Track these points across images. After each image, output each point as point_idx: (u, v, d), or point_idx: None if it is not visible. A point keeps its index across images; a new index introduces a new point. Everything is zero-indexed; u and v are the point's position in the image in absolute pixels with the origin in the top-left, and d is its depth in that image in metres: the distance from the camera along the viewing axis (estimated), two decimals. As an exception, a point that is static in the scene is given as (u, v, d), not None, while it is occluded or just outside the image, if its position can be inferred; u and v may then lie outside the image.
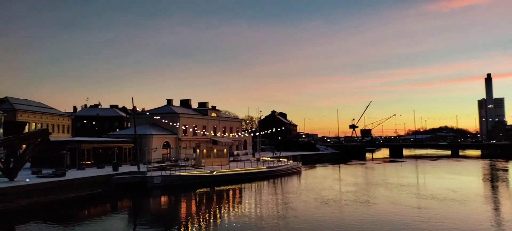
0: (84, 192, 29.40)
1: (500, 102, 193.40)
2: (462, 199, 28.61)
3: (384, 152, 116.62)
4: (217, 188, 35.48)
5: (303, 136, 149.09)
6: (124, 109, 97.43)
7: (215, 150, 47.02)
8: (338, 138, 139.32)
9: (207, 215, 23.84)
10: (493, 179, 46.09)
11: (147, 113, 61.23)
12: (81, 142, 40.66)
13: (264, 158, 57.93)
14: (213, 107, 72.96)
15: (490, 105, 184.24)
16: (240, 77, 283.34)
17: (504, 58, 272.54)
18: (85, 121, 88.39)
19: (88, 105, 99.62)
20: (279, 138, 79.30)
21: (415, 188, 36.31)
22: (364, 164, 72.63)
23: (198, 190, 34.43)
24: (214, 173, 38.91)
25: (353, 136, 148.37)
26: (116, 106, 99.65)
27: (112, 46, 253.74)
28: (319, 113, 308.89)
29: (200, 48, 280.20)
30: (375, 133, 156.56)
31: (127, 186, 32.97)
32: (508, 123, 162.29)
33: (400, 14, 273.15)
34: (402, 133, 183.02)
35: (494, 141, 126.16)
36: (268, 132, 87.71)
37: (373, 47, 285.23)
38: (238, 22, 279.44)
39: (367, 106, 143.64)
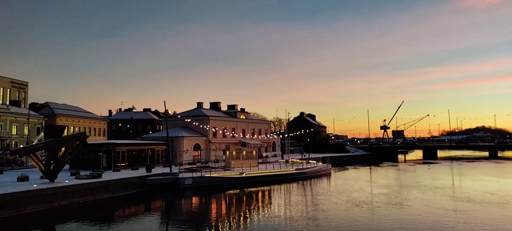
0: (119, 193, 30.32)
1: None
2: (500, 201, 27.36)
3: (418, 154, 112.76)
4: (246, 190, 35.68)
5: (333, 138, 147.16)
6: (156, 112, 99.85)
7: (244, 152, 47.27)
8: (368, 139, 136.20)
9: (237, 216, 24.08)
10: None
11: (179, 116, 62.65)
12: (116, 144, 41.95)
13: (293, 159, 57.64)
14: (242, 110, 73.35)
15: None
16: (268, 79, 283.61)
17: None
18: (120, 124, 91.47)
19: (122, 109, 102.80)
20: (308, 139, 78.59)
21: (450, 190, 35.02)
22: (396, 165, 70.71)
23: (228, 191, 34.78)
24: (244, 174, 39.14)
25: (384, 137, 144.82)
26: (149, 109, 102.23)
27: (144, 51, 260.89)
28: (349, 114, 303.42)
29: (229, 51, 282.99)
30: (408, 134, 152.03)
31: (159, 187, 33.78)
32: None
33: (435, 11, 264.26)
34: (436, 133, 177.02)
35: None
36: (297, 133, 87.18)
37: (406, 45, 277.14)
38: (266, 24, 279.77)
39: (399, 107, 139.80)
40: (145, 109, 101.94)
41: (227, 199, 32.69)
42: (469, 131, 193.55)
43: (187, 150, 53.40)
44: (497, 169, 59.79)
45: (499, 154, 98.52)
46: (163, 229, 21.53)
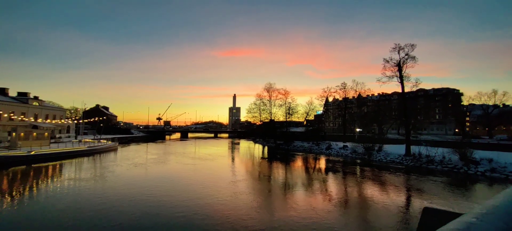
0: None
1: (238, 109, 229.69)
2: (213, 158, 33.86)
3: (178, 135, 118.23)
4: (34, 165, 27.12)
5: (122, 124, 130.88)
6: None
7: (35, 133, 35.43)
8: (148, 126, 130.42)
9: (20, 189, 18.36)
10: (230, 147, 55.69)
11: None
12: None
13: (85, 140, 47.93)
14: (35, 97, 53.96)
15: (234, 110, 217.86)
16: (72, 76, 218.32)
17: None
18: None
19: None
20: (101, 124, 67.16)
21: (191, 153, 39.72)
22: (164, 142, 71.68)
23: (13, 168, 25.31)
24: (32, 152, 29.48)
25: (159, 124, 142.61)
26: None
27: None
28: (135, 108, 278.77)
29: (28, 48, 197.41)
30: (174, 123, 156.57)
31: None
32: (241, 121, 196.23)
33: (194, 53, 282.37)
34: (189, 123, 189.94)
35: (234, 129, 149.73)
36: (92, 120, 72.58)
37: (176, 69, 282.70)
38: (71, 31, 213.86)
39: (168, 107, 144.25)
40: None
41: (10, 174, 23.82)
42: (206, 123, 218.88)
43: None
44: (215, 142, 71.64)
45: (219, 135, 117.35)
46: None
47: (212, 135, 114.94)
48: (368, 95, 60.33)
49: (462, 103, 70.90)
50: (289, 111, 64.75)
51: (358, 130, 59.78)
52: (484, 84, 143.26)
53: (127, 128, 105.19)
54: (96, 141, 45.66)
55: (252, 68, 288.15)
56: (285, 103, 64.88)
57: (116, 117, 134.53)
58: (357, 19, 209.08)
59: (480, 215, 0.62)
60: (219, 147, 56.74)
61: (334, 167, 30.32)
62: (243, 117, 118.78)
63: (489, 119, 58.42)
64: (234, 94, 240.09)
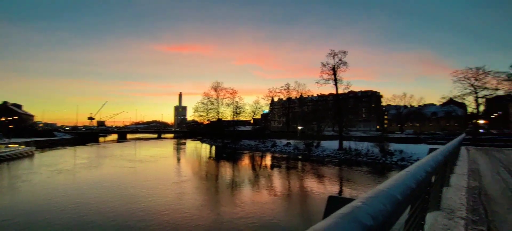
0: None
1: (184, 108, 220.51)
2: (154, 159, 31.84)
3: (114, 137, 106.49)
4: None
5: (41, 125, 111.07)
6: None
7: None
8: (77, 126, 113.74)
9: None
10: (175, 148, 53.25)
11: None
12: None
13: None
14: None
15: (180, 109, 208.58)
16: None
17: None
18: None
19: None
20: (11, 126, 55.67)
21: (131, 155, 36.42)
22: (98, 144, 63.69)
23: None
24: None
25: (90, 125, 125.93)
26: None
27: None
28: (59, 106, 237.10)
29: None
30: (109, 123, 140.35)
31: None
32: (188, 120, 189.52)
33: (135, 45, 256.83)
34: (128, 123, 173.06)
35: (180, 129, 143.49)
36: (-3, 120, 59.39)
37: (114, 64, 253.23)
38: None
39: (103, 104, 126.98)
40: None
41: None
42: (148, 122, 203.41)
43: None
44: (158, 143, 67.40)
45: (162, 135, 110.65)
46: None
47: (156, 136, 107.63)
48: (308, 95, 65.64)
49: (381, 104, 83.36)
50: (237, 110, 65.49)
51: (300, 127, 64.43)
52: (399, 88, 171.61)
53: (49, 130, 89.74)
54: (3, 146, 37.46)
55: (199, 65, 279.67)
56: (233, 102, 65.38)
57: (32, 116, 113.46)
58: (300, 24, 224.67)
59: (365, 199, 0.69)
60: (163, 148, 53.58)
61: (278, 163, 32.06)
62: (190, 116, 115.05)
63: (400, 117, 70.27)
64: (180, 93, 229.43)
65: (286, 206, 14.01)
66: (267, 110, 78.84)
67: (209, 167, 28.74)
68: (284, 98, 68.41)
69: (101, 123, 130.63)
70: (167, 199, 14.65)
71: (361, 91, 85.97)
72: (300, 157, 38.08)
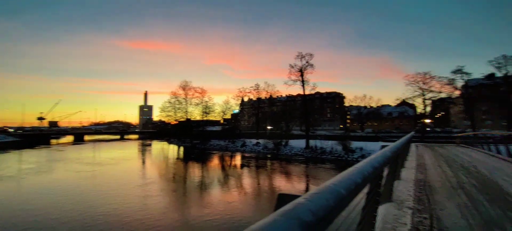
0: None
1: (150, 107, 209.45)
2: (115, 162, 29.76)
3: (70, 138, 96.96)
4: None
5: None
6: None
7: None
8: (23, 127, 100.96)
9: None
10: (140, 150, 50.40)
11: None
12: None
13: None
14: None
15: (146, 109, 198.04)
16: None
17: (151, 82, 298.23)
18: None
19: None
20: None
21: (89, 158, 33.51)
22: (49, 147, 57.34)
23: None
24: None
25: (41, 126, 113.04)
26: None
27: None
28: (0, 106, 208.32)
29: None
30: (64, 124, 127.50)
31: None
32: (154, 120, 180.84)
33: (94, 40, 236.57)
34: (87, 124, 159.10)
35: (146, 130, 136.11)
36: None
37: (68, 59, 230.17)
38: None
39: (56, 103, 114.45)
40: None
41: None
42: (110, 123, 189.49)
43: None
44: (120, 145, 63.21)
45: (125, 136, 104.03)
46: None
47: (118, 137, 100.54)
48: (278, 96, 67.06)
49: (344, 104, 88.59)
50: (206, 110, 64.25)
51: (269, 127, 65.50)
52: (360, 90, 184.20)
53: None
54: None
55: (166, 64, 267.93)
56: (202, 102, 64.00)
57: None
58: (270, 26, 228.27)
59: (309, 195, 0.70)
60: (126, 150, 50.31)
61: (246, 162, 32.18)
62: (156, 116, 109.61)
63: (361, 117, 75.44)
64: (146, 91, 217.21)
65: (252, 205, 14.12)
66: (237, 110, 78.69)
67: (175, 168, 27.71)
68: (254, 99, 68.97)
69: (53, 124, 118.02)
70: (130, 203, 13.77)
71: (326, 93, 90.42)
72: (269, 156, 38.69)
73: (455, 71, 42.80)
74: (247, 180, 21.21)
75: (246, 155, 40.92)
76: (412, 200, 4.44)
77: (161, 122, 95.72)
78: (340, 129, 77.79)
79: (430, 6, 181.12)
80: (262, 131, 64.43)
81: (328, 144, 39.52)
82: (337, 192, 0.82)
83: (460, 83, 43.49)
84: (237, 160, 35.20)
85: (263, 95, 65.38)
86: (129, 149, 51.90)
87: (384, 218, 3.56)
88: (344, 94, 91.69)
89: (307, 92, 45.62)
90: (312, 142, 42.11)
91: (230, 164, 31.64)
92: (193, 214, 12.26)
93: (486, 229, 3.29)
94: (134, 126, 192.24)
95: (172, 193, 16.72)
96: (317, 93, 77.56)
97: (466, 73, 42.57)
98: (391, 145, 2.79)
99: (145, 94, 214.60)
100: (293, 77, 44.33)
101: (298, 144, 45.06)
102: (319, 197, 0.70)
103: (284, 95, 74.31)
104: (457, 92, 45.72)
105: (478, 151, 13.82)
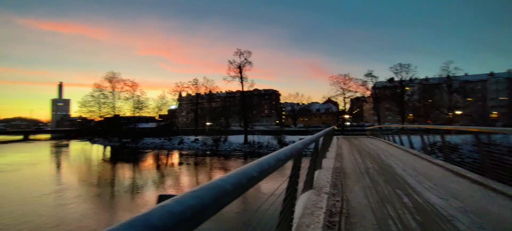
0: None
1: (67, 102, 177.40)
2: (16, 168, 24.19)
3: None
4: None
5: None
6: None
7: None
8: None
9: None
10: (53, 151, 42.20)
11: None
12: None
13: None
14: None
15: (60, 104, 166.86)
16: None
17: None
18: None
19: None
20: None
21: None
22: None
23: None
24: None
25: None
26: None
27: None
28: None
29: None
30: None
31: None
32: (72, 117, 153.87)
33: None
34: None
35: (61, 128, 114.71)
36: None
37: None
38: None
39: None
40: None
41: None
42: (8, 120, 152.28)
43: None
44: (25, 147, 51.58)
45: (31, 137, 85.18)
46: None
47: (21, 137, 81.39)
48: (217, 92, 66.28)
49: (280, 101, 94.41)
50: (138, 105, 58.25)
51: (208, 123, 64.19)
52: (293, 88, 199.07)
53: None
54: None
55: (88, 51, 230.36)
56: (133, 96, 57.71)
57: None
58: (210, 21, 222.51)
59: (182, 195, 0.65)
60: (32, 153, 41.18)
61: (183, 160, 30.76)
62: (75, 111, 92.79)
63: (294, 113, 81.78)
64: (60, 83, 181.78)
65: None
66: (175, 106, 74.24)
67: (101, 172, 24.23)
68: (193, 94, 66.34)
69: None
70: (39, 212, 11.37)
71: (264, 90, 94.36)
72: (208, 152, 37.94)
73: (367, 75, 51.22)
74: (182, 178, 20.25)
75: (184, 152, 39.09)
76: (329, 186, 4.98)
77: (81, 119, 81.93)
78: (276, 124, 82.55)
79: (354, 12, 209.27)
80: (201, 127, 62.67)
81: (265, 139, 41.39)
82: (222, 187, 0.78)
83: (370, 84, 52.25)
84: (174, 158, 33.25)
85: (202, 90, 63.52)
86: (36, 152, 42.55)
87: (305, 204, 3.87)
88: (280, 92, 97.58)
89: (245, 89, 46.59)
90: (250, 137, 43.32)
91: (165, 162, 29.61)
92: (116, 220, 10.94)
93: (380, 204, 3.96)
94: (45, 124, 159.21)
95: (91, 199, 14.51)
96: (256, 90, 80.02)
97: (375, 77, 51.57)
98: (306, 138, 3.02)
99: (60, 86, 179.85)
100: (232, 73, 44.57)
101: (237, 139, 45.62)
102: (189, 197, 0.65)
103: (223, 91, 74.00)
104: (368, 93, 54.73)
105: (381, 141, 16.76)
